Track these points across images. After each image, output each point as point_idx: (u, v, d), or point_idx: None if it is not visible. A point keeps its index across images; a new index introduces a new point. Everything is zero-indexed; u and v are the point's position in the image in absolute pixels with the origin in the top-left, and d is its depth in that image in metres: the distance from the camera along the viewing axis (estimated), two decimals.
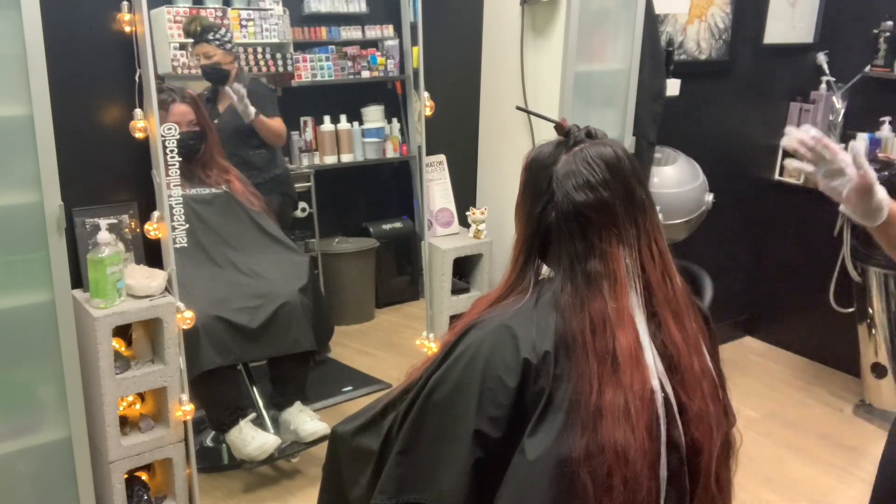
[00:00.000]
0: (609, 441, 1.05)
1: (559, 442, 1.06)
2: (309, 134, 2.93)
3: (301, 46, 2.85)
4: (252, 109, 2.63)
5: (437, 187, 2.82)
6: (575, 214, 1.13)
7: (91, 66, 2.16)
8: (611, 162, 1.14)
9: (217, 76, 2.61)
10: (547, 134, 2.85)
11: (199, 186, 2.53)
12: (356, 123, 2.99)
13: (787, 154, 4.30)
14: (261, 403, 2.55)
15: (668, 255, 1.19)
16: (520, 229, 1.23)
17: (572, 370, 1.09)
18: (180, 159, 2.22)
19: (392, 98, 3.05)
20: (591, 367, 1.08)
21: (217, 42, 2.57)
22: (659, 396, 1.11)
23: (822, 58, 3.59)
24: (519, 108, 1.61)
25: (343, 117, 2.96)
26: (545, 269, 1.23)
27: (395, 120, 3.05)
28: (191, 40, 2.57)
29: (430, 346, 2.72)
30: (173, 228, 2.20)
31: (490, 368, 1.11)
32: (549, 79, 2.60)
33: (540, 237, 1.19)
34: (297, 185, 2.91)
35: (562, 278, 1.15)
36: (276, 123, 2.73)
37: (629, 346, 1.10)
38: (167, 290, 2.18)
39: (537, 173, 1.19)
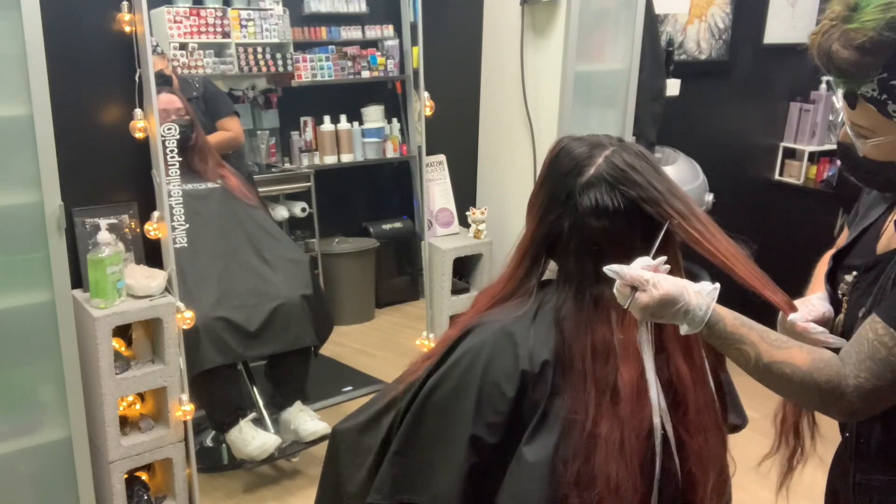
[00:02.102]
0: (601, 473, 1.03)
1: (554, 455, 1.05)
2: (309, 134, 2.93)
3: (301, 46, 2.85)
4: None
5: (437, 187, 2.81)
6: (590, 240, 1.09)
7: (91, 66, 2.16)
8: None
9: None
10: (547, 135, 2.84)
11: (196, 181, 2.51)
12: (356, 123, 2.98)
13: (786, 154, 4.24)
14: (261, 403, 2.55)
15: None
16: (530, 229, 1.17)
17: (569, 388, 1.07)
18: (180, 159, 2.22)
19: (392, 98, 3.05)
20: (589, 393, 1.06)
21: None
22: (658, 434, 1.07)
23: None
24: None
25: (343, 117, 2.96)
26: (550, 265, 1.21)
27: (395, 120, 3.05)
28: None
29: (429, 346, 2.72)
30: (173, 228, 2.20)
31: (489, 374, 1.10)
32: (549, 79, 2.60)
33: (549, 242, 1.15)
34: (297, 185, 2.91)
35: (566, 294, 1.12)
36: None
37: (632, 382, 1.06)
38: (167, 289, 2.18)
39: (559, 179, 1.11)
